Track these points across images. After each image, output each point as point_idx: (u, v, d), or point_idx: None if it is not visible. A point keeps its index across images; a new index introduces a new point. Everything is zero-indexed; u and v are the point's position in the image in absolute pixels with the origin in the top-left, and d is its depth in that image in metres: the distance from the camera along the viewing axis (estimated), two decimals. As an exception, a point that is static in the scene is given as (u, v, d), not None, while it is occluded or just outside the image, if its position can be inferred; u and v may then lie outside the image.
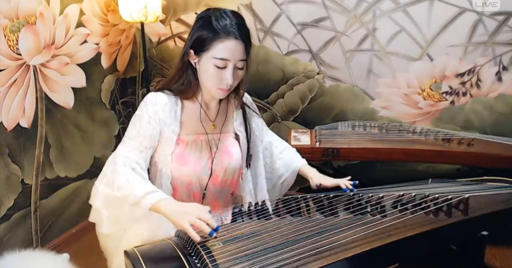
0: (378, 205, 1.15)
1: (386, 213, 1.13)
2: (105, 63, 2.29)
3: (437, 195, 1.16)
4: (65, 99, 2.05)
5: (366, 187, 1.31)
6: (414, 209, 1.14)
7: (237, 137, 1.32)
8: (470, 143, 1.84)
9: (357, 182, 1.29)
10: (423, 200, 1.17)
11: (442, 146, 1.85)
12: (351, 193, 1.25)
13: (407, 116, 2.21)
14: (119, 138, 2.45)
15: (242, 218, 1.13)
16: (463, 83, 2.07)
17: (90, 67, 2.17)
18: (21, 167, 1.85)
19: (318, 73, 2.29)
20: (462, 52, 2.02)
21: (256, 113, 1.39)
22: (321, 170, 1.38)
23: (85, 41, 2.13)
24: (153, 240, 1.07)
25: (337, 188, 1.29)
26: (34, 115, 1.88)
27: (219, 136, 1.27)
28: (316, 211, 1.15)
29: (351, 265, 0.95)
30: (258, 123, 1.40)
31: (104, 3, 2.24)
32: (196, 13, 2.35)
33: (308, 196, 1.19)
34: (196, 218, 0.99)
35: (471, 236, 1.24)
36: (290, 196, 1.20)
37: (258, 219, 1.12)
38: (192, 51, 1.15)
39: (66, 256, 1.11)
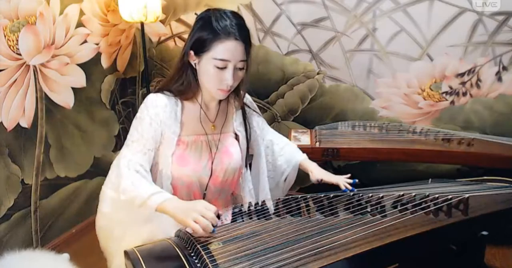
0: (378, 205, 1.15)
1: (386, 213, 1.13)
2: (105, 63, 2.29)
3: (437, 195, 1.16)
4: (65, 99, 2.05)
5: (366, 187, 1.32)
6: (414, 209, 1.14)
7: (237, 137, 1.32)
8: (470, 143, 1.84)
9: (357, 181, 1.30)
10: (423, 200, 1.17)
11: (442, 146, 1.85)
12: (351, 193, 1.25)
13: (407, 116, 2.21)
14: (119, 138, 2.45)
15: (242, 218, 1.13)
16: (463, 83, 2.07)
17: (90, 67, 2.17)
18: (21, 167, 1.85)
19: (318, 73, 2.29)
20: (462, 52, 2.02)
21: (256, 112, 1.39)
22: (321, 170, 1.38)
23: (85, 41, 2.13)
24: (153, 240, 1.07)
25: (337, 188, 1.29)
26: (34, 115, 1.88)
27: (219, 137, 1.27)
28: (316, 211, 1.15)
29: (351, 265, 0.95)
30: (258, 121, 1.40)
31: (104, 3, 2.24)
32: (196, 14, 2.35)
33: (308, 196, 1.19)
34: (199, 215, 0.99)
35: (471, 236, 1.24)
36: (290, 196, 1.20)
37: (258, 219, 1.12)
38: (192, 52, 1.15)
39: (66, 256, 1.11)
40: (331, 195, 1.20)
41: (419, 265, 1.25)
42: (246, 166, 1.35)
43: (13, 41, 1.74)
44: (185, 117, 1.22)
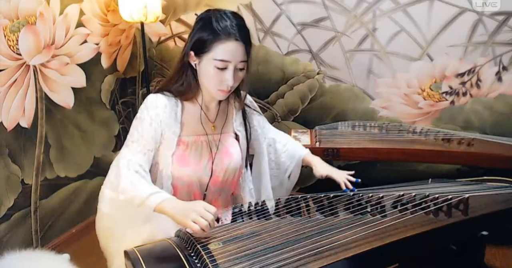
0: (378, 205, 1.15)
1: (386, 213, 1.13)
2: (105, 63, 2.29)
3: (437, 195, 1.16)
4: (65, 99, 2.05)
5: (366, 187, 1.32)
6: (414, 209, 1.14)
7: (237, 137, 1.32)
8: (470, 143, 1.84)
9: (360, 180, 1.30)
10: (423, 200, 1.17)
11: (442, 146, 1.85)
12: (351, 193, 1.25)
13: (407, 116, 2.21)
14: (119, 138, 2.45)
15: (242, 218, 1.13)
16: (463, 83, 2.07)
17: (90, 67, 2.17)
18: (21, 167, 1.85)
19: (318, 73, 2.29)
20: (462, 52, 2.02)
21: (256, 111, 1.39)
22: (321, 170, 1.38)
23: (85, 41, 2.13)
24: (153, 240, 1.07)
25: (338, 188, 1.29)
26: (34, 115, 1.88)
27: (219, 137, 1.27)
28: (316, 211, 1.15)
29: (351, 265, 0.95)
30: (259, 120, 1.40)
31: (104, 3, 2.24)
32: (196, 14, 2.35)
33: (308, 196, 1.19)
34: (198, 216, 0.99)
35: (471, 236, 1.24)
36: (290, 196, 1.20)
37: (258, 219, 1.12)
38: (192, 53, 1.15)
39: (66, 256, 1.10)
40: (331, 195, 1.20)
41: (419, 265, 1.26)
42: (246, 166, 1.35)
43: (13, 41, 1.74)
44: (185, 117, 1.22)
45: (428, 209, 1.13)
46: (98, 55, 2.23)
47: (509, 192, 1.35)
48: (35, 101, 1.88)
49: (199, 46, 1.13)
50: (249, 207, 1.17)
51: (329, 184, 1.33)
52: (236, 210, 1.17)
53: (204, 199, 1.27)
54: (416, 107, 2.18)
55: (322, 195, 1.20)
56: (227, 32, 1.09)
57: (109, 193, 1.16)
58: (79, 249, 2.04)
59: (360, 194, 1.23)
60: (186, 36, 2.44)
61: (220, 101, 1.27)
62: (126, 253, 0.99)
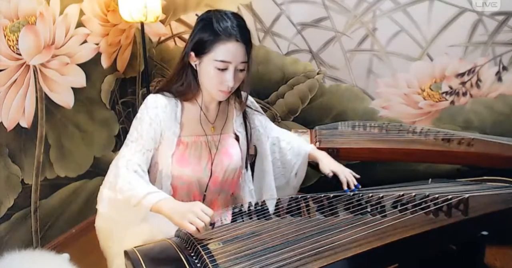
0: (378, 205, 1.15)
1: (386, 213, 1.13)
2: (105, 63, 2.29)
3: (437, 195, 1.16)
4: (65, 99, 2.05)
5: (366, 187, 1.32)
6: (414, 209, 1.14)
7: (237, 138, 1.32)
8: (470, 143, 1.83)
9: (360, 185, 1.30)
10: (423, 200, 1.17)
11: (442, 146, 1.84)
12: (351, 193, 1.25)
13: (407, 116, 2.21)
14: (119, 138, 2.45)
15: (242, 218, 1.13)
16: (463, 83, 2.07)
17: (90, 67, 2.17)
18: (21, 167, 1.85)
19: (318, 73, 2.29)
20: (462, 52, 2.02)
21: (258, 111, 1.39)
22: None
23: (85, 41, 2.13)
24: (153, 240, 1.07)
25: (338, 187, 1.29)
26: (34, 115, 1.88)
27: (219, 138, 1.27)
28: (316, 211, 1.15)
29: (351, 265, 0.95)
30: (261, 120, 1.40)
31: (104, 3, 2.24)
32: (196, 14, 2.35)
33: (308, 196, 1.19)
34: (195, 217, 0.99)
35: (471, 236, 1.24)
36: (290, 196, 1.20)
37: (258, 219, 1.12)
38: (192, 53, 1.15)
39: (66, 256, 1.10)
40: (331, 195, 1.20)
41: (419, 265, 1.25)
42: (246, 166, 1.35)
43: (13, 41, 1.74)
44: (185, 118, 1.22)
45: (428, 209, 1.13)
46: (98, 55, 2.23)
47: (509, 192, 1.35)
48: (35, 101, 1.88)
49: (200, 46, 1.13)
50: (249, 207, 1.17)
51: (329, 184, 1.33)
52: (236, 210, 1.17)
53: (203, 199, 1.27)
54: (416, 107, 2.18)
55: (322, 195, 1.20)
56: (227, 33, 1.09)
57: (108, 193, 1.16)
58: (79, 249, 2.04)
59: (360, 194, 1.23)
60: (186, 36, 2.44)
61: (220, 102, 1.27)
62: (126, 253, 0.99)
